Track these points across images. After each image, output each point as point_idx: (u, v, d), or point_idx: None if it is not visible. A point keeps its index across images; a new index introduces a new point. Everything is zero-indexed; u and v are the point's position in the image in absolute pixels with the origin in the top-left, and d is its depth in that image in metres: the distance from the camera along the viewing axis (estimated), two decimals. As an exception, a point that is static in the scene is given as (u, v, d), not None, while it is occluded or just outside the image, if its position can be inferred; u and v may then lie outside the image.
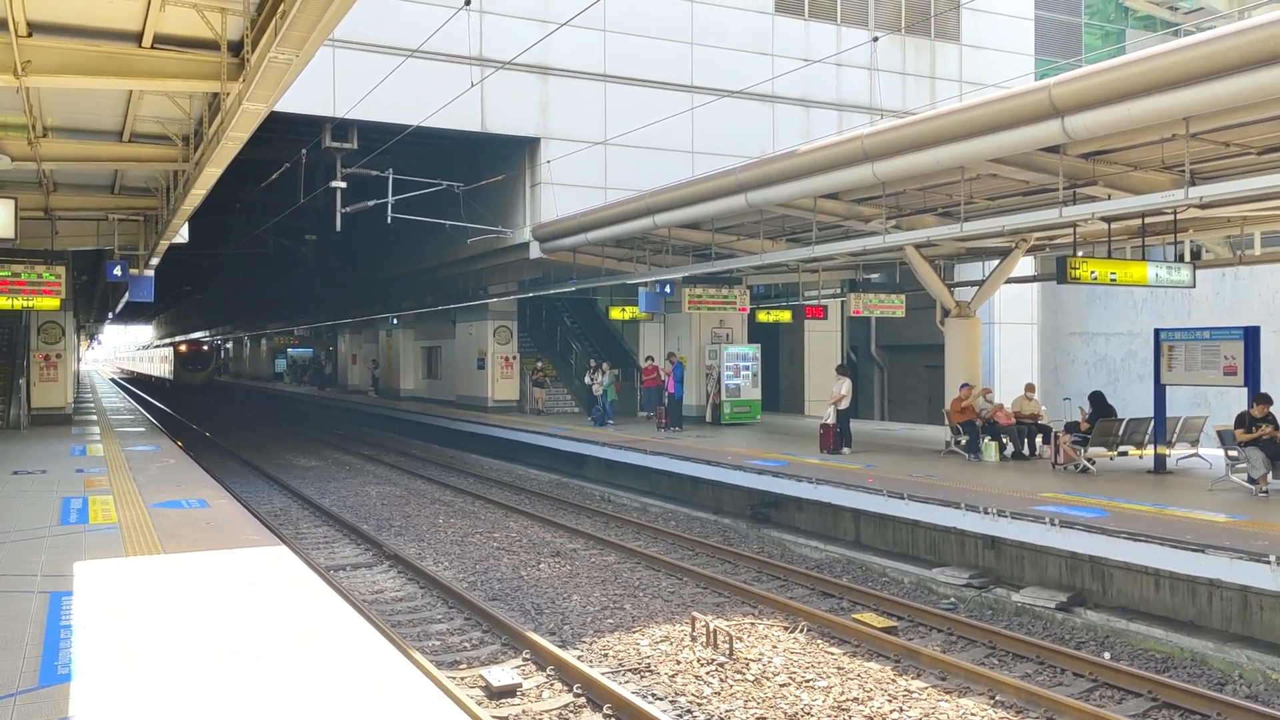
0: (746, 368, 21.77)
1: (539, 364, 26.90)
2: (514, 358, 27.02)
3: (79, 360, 42.90)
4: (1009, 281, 17.90)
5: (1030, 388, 16.16)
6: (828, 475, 13.17)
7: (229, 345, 73.51)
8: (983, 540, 10.68)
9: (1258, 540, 8.55)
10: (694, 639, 8.69)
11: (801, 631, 8.97)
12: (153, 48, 8.10)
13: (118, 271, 16.39)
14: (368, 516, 15.22)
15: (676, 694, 7.44)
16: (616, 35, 21.95)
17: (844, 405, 16.16)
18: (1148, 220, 13.63)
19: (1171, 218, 13.46)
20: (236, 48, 8.10)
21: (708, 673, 7.86)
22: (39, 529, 9.42)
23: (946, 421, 15.94)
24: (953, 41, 26.91)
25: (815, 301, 21.78)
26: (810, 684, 7.60)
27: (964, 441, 15.13)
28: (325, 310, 41.91)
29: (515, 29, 20.12)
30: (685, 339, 22.93)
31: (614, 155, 21.33)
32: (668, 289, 19.25)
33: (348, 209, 19.96)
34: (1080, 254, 13.76)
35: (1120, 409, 14.92)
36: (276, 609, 6.63)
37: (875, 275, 22.36)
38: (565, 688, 7.52)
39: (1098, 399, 14.13)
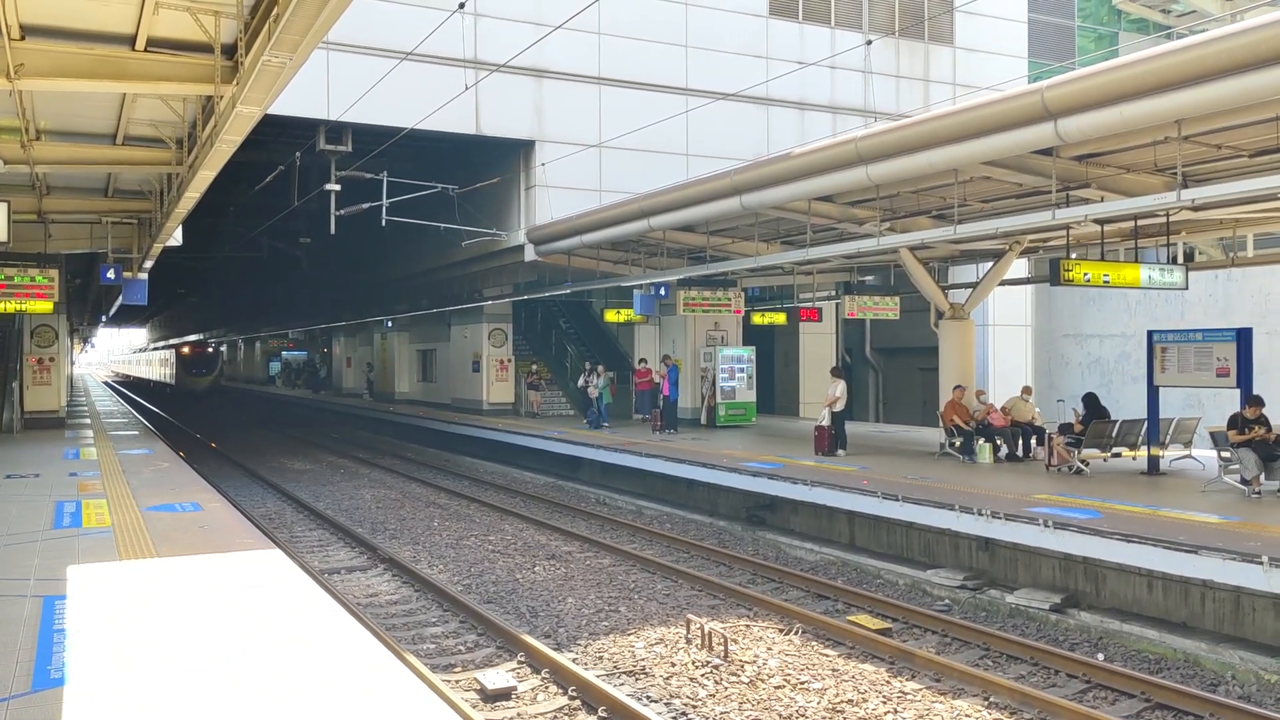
0: (741, 370, 21.79)
1: (534, 367, 26.89)
2: (509, 361, 27.00)
3: (72, 364, 42.79)
4: (1003, 284, 17.93)
5: (1027, 390, 16.20)
6: (823, 477, 13.18)
7: (223, 348, 72.88)
8: (977, 542, 10.69)
9: (1250, 541, 8.57)
10: (689, 641, 8.69)
11: (796, 633, 8.97)
12: (146, 51, 8.09)
13: (111, 275, 16.35)
14: (362, 520, 15.19)
15: (671, 696, 7.44)
16: (611, 38, 21.97)
17: (839, 407, 16.18)
18: (1140, 222, 13.68)
19: (1164, 220, 13.51)
20: (230, 50, 8.09)
21: (703, 675, 7.86)
22: (32, 533, 9.39)
23: (941, 424, 15.96)
24: (946, 44, 26.98)
25: (810, 304, 21.80)
26: (805, 686, 7.61)
27: (958, 443, 15.16)
28: (320, 313, 41.85)
29: (510, 32, 20.14)
30: (680, 341, 22.95)
31: (609, 158, 21.34)
32: (663, 291, 19.26)
33: (342, 212, 19.94)
34: (1074, 256, 13.79)
35: (1114, 411, 14.96)
36: (270, 613, 6.62)
37: (870, 278, 22.40)
38: (560, 690, 7.52)
39: (1091, 401, 14.16)
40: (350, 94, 17.71)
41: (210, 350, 57.86)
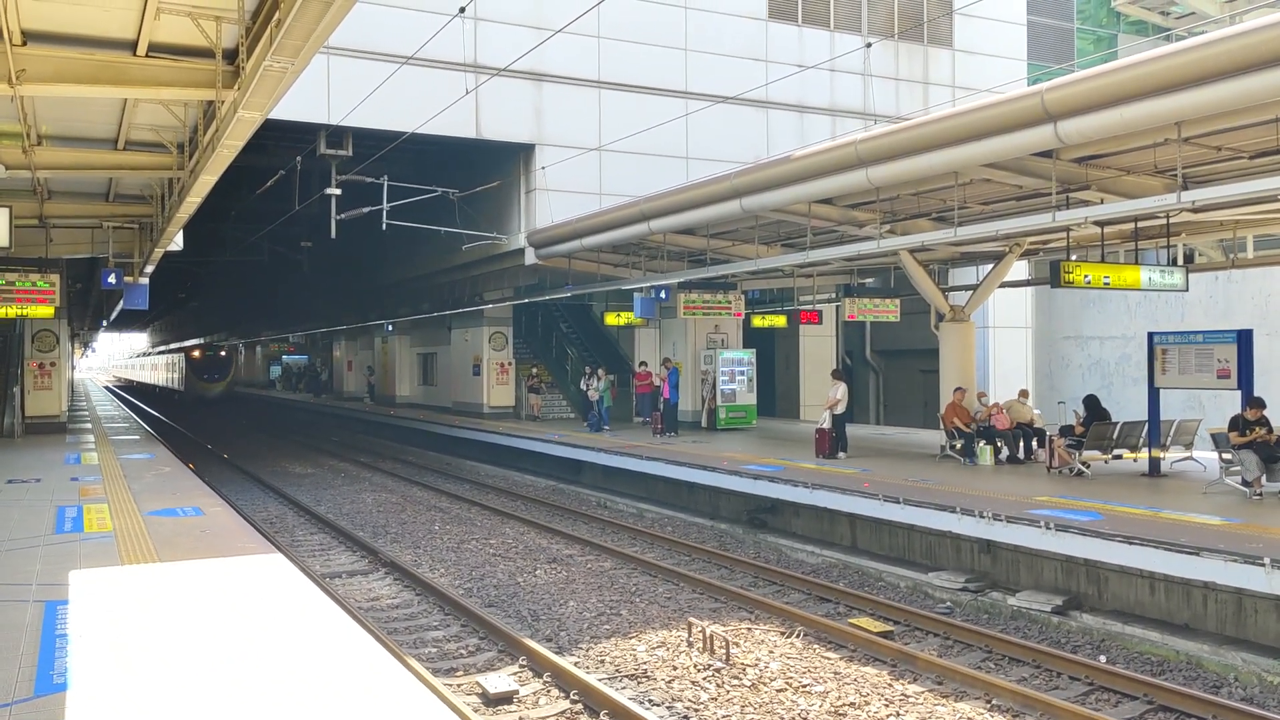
0: (742, 373, 21.78)
1: (534, 370, 26.90)
2: (510, 364, 27.01)
3: (73, 368, 42.76)
4: (1003, 286, 17.94)
5: (1024, 393, 16.19)
6: (824, 480, 13.17)
7: (240, 350, 71.85)
8: (978, 544, 10.69)
9: (1252, 543, 8.57)
10: (690, 644, 8.68)
11: (798, 636, 8.97)
12: (147, 56, 8.12)
13: (112, 279, 16.36)
14: (364, 524, 15.19)
15: (673, 700, 7.44)
16: (611, 42, 22.00)
17: (840, 410, 16.17)
18: (1141, 224, 13.69)
19: (1164, 222, 13.51)
20: (231, 56, 8.11)
21: (704, 678, 7.86)
22: (34, 537, 9.40)
23: (941, 426, 15.96)
24: (945, 47, 27.00)
25: (810, 306, 21.81)
26: (807, 689, 7.61)
27: (959, 445, 15.16)
28: (321, 317, 41.87)
29: (509, 36, 20.18)
30: (681, 344, 22.95)
31: (609, 161, 21.36)
32: (663, 294, 19.26)
33: (343, 216, 19.97)
34: (1074, 258, 13.81)
35: (1114, 412, 14.95)
36: (272, 617, 6.62)
37: (870, 280, 22.40)
38: (562, 694, 7.52)
39: (1092, 402, 14.16)
40: (351, 98, 17.75)
41: (223, 354, 52.96)
